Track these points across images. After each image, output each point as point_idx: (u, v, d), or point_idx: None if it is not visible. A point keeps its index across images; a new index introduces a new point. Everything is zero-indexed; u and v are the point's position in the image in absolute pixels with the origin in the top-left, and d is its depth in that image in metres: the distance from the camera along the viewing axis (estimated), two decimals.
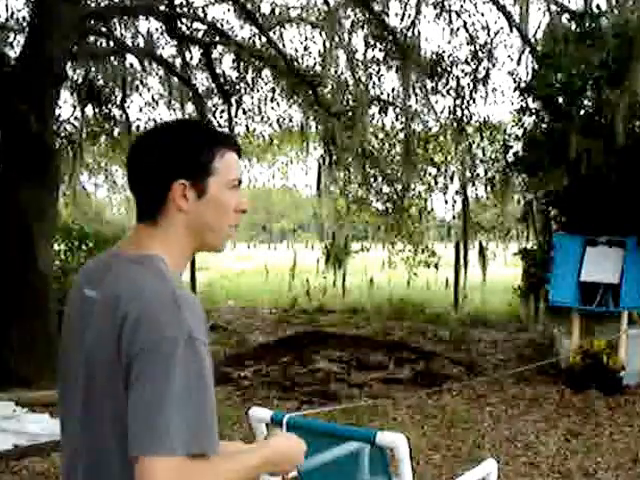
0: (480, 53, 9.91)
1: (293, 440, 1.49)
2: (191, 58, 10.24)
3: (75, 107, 10.79)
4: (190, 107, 10.47)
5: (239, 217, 1.42)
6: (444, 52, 10.00)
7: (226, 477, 1.26)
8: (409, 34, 9.44)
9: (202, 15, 9.78)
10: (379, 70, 10.35)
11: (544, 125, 8.06)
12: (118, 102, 10.75)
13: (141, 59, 9.98)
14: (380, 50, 10.08)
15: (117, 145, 12.10)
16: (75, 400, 1.36)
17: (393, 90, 10.54)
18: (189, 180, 1.33)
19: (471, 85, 10.04)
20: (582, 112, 7.57)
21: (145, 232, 1.37)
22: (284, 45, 10.12)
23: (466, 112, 10.23)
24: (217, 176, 1.36)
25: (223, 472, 1.25)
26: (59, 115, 10.01)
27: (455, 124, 10.31)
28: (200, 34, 9.87)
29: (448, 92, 10.09)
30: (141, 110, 11.61)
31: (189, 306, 1.25)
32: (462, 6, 9.86)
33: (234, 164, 1.40)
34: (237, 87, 10.49)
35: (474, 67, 9.96)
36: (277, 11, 10.14)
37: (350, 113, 10.07)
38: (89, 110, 10.90)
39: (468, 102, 10.11)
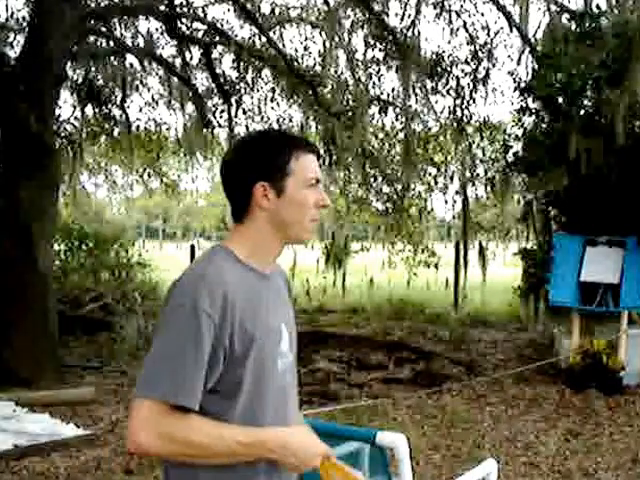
0: (480, 53, 9.91)
1: (307, 438, 1.52)
2: (191, 58, 10.24)
3: (75, 107, 10.80)
4: (190, 107, 10.48)
5: (318, 212, 1.57)
6: (444, 52, 10.00)
7: (200, 437, 1.38)
8: (409, 34, 9.43)
9: (202, 15, 9.77)
10: (379, 70, 10.35)
11: (544, 125, 8.06)
12: (118, 102, 10.75)
13: (141, 59, 9.98)
14: (380, 50, 10.08)
15: (117, 145, 12.11)
16: None
17: (393, 90, 10.55)
18: (268, 182, 1.51)
19: (471, 85, 10.04)
20: (582, 112, 7.57)
21: (233, 230, 1.59)
22: (284, 45, 10.13)
23: (466, 112, 10.24)
24: (294, 176, 1.52)
25: (197, 430, 1.38)
26: (59, 115, 10.02)
27: (455, 124, 10.31)
28: (200, 34, 9.87)
29: (448, 92, 10.09)
30: (141, 110, 11.63)
31: (207, 283, 1.42)
32: (462, 6, 9.87)
33: (310, 165, 1.56)
34: (237, 87, 10.49)
35: (474, 67, 9.96)
36: (277, 11, 10.14)
37: (350, 113, 10.06)
38: (89, 110, 10.91)
39: (468, 102, 10.11)
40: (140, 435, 1.37)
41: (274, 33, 9.97)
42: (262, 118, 11.39)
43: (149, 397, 1.37)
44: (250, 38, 10.04)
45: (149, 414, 1.36)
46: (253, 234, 1.55)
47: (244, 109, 10.94)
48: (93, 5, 9.11)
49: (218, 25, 9.71)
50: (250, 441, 1.42)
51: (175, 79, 10.08)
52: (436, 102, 10.35)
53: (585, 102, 7.65)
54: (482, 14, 9.90)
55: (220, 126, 10.83)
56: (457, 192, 11.23)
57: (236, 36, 9.69)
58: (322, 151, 11.02)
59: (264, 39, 9.61)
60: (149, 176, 14.26)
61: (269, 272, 1.59)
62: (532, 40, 8.96)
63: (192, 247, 13.80)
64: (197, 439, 1.39)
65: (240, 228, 1.56)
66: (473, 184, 10.84)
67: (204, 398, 1.41)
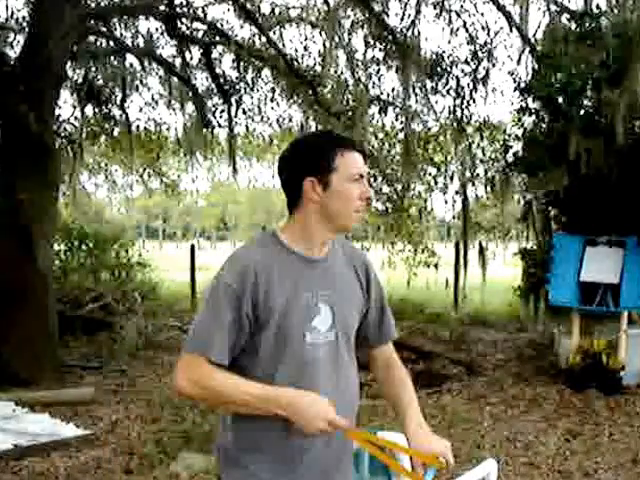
0: (480, 53, 9.90)
1: (318, 402, 1.64)
2: (191, 58, 10.23)
3: (75, 107, 10.79)
4: (190, 107, 10.48)
5: (363, 204, 1.75)
6: (444, 52, 9.98)
7: (219, 385, 1.65)
8: (409, 34, 9.42)
9: (202, 15, 9.76)
10: (379, 70, 10.34)
11: (544, 125, 8.05)
12: (118, 102, 10.75)
13: (141, 59, 9.98)
14: (380, 50, 10.07)
15: (117, 145, 12.11)
16: None
17: (393, 90, 10.53)
18: (316, 177, 1.71)
19: (471, 85, 10.02)
20: (582, 112, 7.56)
21: (287, 218, 1.81)
22: (284, 45, 10.11)
23: (466, 112, 10.22)
24: (338, 172, 1.71)
25: (218, 380, 1.65)
26: (59, 115, 10.01)
27: (455, 124, 10.30)
28: (200, 34, 9.86)
29: (448, 92, 10.08)
30: (141, 110, 11.62)
31: (234, 263, 1.72)
32: (462, 6, 9.85)
33: (353, 161, 1.73)
34: (237, 87, 10.48)
35: (474, 67, 9.94)
36: (277, 11, 10.13)
37: (350, 113, 10.06)
38: (89, 110, 10.90)
39: (468, 102, 10.10)
40: (178, 380, 1.68)
41: (274, 33, 9.96)
42: (262, 118, 11.39)
43: (187, 352, 1.69)
44: (250, 38, 10.02)
45: (185, 365, 1.69)
46: (302, 223, 1.76)
47: (244, 109, 10.94)
48: (93, 5, 9.11)
49: (218, 25, 9.70)
50: (261, 394, 1.64)
51: (175, 79, 10.08)
52: (436, 102, 10.34)
53: (585, 102, 7.65)
54: (482, 14, 9.89)
55: (220, 126, 10.83)
56: (457, 192, 11.22)
57: (236, 36, 9.67)
58: None
59: (264, 39, 9.60)
60: (149, 176, 14.26)
61: (318, 256, 1.78)
62: (532, 40, 8.95)
63: (192, 247, 13.80)
64: (216, 385, 1.66)
65: (292, 217, 1.79)
66: (473, 184, 10.83)
67: (239, 354, 1.71)
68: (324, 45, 9.61)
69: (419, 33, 9.42)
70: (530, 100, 8.00)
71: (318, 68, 10.13)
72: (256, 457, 1.75)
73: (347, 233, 1.88)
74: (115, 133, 11.63)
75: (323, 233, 1.76)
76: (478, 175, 10.72)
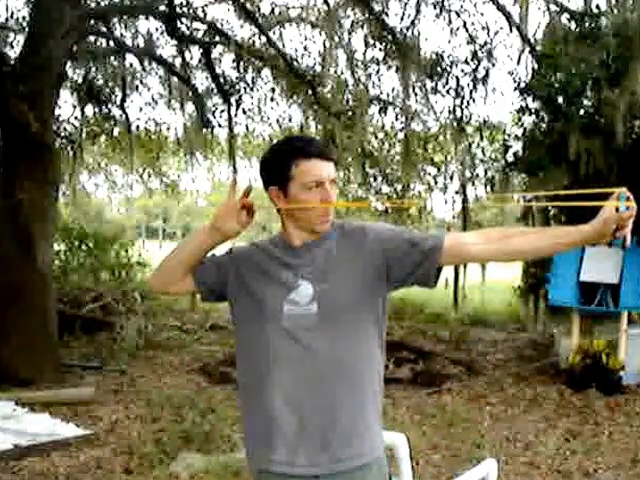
0: (480, 53, 9.90)
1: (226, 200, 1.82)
2: (191, 58, 10.25)
3: (75, 107, 10.80)
4: (190, 107, 10.48)
5: (326, 209, 1.81)
6: (444, 52, 9.98)
7: (165, 257, 1.98)
8: (409, 34, 9.43)
9: (202, 15, 9.76)
10: (379, 70, 10.35)
11: (544, 125, 8.06)
12: (118, 102, 10.75)
13: (141, 59, 9.98)
14: (380, 50, 10.08)
15: (117, 145, 12.11)
16: None
17: (393, 90, 10.54)
18: (278, 186, 1.82)
19: (471, 85, 10.03)
20: (582, 112, 7.56)
21: None
22: (284, 45, 10.12)
23: (466, 112, 10.24)
24: (295, 181, 1.79)
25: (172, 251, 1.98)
26: (59, 115, 10.02)
27: (455, 124, 10.31)
28: (200, 34, 9.86)
29: (448, 92, 10.08)
30: (141, 110, 11.64)
31: (238, 247, 1.99)
32: (462, 6, 9.85)
33: (309, 170, 1.79)
34: (237, 87, 10.48)
35: (474, 67, 9.94)
36: (277, 11, 10.13)
37: (350, 113, 10.06)
38: (89, 110, 10.91)
39: (468, 102, 10.10)
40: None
41: (274, 33, 9.97)
42: (262, 118, 11.39)
43: None
44: (250, 38, 10.03)
45: None
46: (283, 228, 1.91)
47: (244, 109, 10.95)
48: (93, 5, 9.11)
49: (218, 25, 9.70)
50: (192, 233, 1.90)
51: (175, 79, 10.08)
52: (436, 102, 10.36)
53: (585, 102, 7.65)
54: (482, 14, 9.90)
55: (220, 126, 10.83)
56: (457, 192, 11.23)
57: (236, 36, 9.68)
58: None
59: (264, 39, 9.60)
60: (149, 176, 14.26)
61: (301, 244, 1.88)
62: (532, 40, 8.95)
63: None
64: (164, 257, 1.99)
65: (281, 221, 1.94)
66: (473, 184, 10.84)
67: (236, 326, 1.95)
68: (324, 45, 9.62)
69: (419, 33, 9.46)
70: (530, 100, 8.00)
71: (318, 68, 10.13)
72: (247, 442, 1.92)
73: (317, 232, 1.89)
74: (115, 133, 11.64)
75: (301, 236, 1.87)
76: (478, 175, 10.73)
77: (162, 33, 9.85)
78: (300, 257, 1.87)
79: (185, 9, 9.53)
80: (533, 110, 8.08)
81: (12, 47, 9.29)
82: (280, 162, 1.81)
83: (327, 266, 1.85)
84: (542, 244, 1.82)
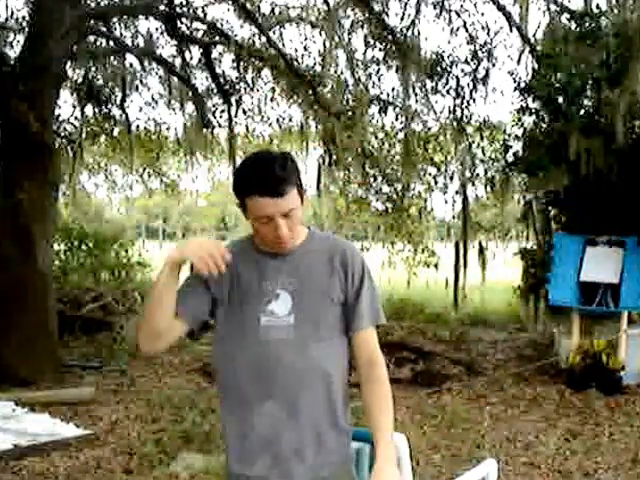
0: (480, 53, 9.90)
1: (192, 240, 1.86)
2: (191, 58, 10.24)
3: (75, 107, 10.79)
4: (190, 107, 10.47)
5: (278, 239, 1.81)
6: (444, 52, 9.98)
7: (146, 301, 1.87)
8: (409, 34, 9.43)
9: (202, 15, 9.76)
10: (379, 70, 10.34)
11: (544, 125, 8.05)
12: (118, 102, 10.74)
13: (141, 59, 9.97)
14: (380, 50, 10.07)
15: (117, 145, 12.10)
16: None
17: (393, 90, 10.53)
18: (241, 208, 1.85)
19: (471, 85, 10.02)
20: (582, 112, 7.56)
21: None
22: (284, 45, 10.11)
23: (466, 112, 10.22)
24: (249, 212, 1.82)
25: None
26: (59, 115, 10.01)
27: (455, 124, 10.30)
28: (200, 34, 9.86)
29: (448, 92, 10.08)
30: (141, 110, 11.64)
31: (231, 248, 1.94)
32: (462, 6, 9.85)
33: (257, 207, 1.78)
34: (237, 87, 10.48)
35: (474, 67, 9.94)
36: (277, 11, 10.13)
37: (350, 113, 10.05)
38: (89, 110, 10.90)
39: (468, 102, 10.10)
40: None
41: (274, 33, 9.96)
42: (262, 118, 11.39)
43: None
44: (250, 38, 10.03)
45: None
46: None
47: (244, 109, 10.95)
48: (93, 5, 9.11)
49: (218, 25, 9.70)
50: (162, 266, 1.82)
51: (175, 79, 10.07)
52: (436, 102, 10.34)
53: (585, 102, 7.65)
54: (482, 14, 9.89)
55: (220, 126, 10.83)
56: (457, 192, 11.22)
57: (236, 36, 9.68)
58: (322, 151, 11.03)
59: (264, 39, 9.59)
60: (149, 176, 14.25)
61: (283, 252, 1.87)
62: (532, 40, 8.95)
63: None
64: (146, 302, 1.87)
65: None
66: (473, 184, 10.83)
67: (216, 340, 1.93)
68: (324, 45, 9.61)
69: (419, 33, 9.45)
70: (530, 100, 8.00)
71: (318, 68, 10.13)
72: (228, 456, 1.92)
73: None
74: (115, 133, 11.63)
75: (269, 249, 1.88)
76: (478, 175, 10.72)
77: (162, 33, 9.86)
78: (281, 264, 1.88)
79: (185, 9, 9.54)
80: (533, 110, 8.08)
81: (12, 47, 9.29)
82: (237, 191, 1.84)
83: (303, 276, 1.87)
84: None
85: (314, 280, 1.88)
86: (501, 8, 9.23)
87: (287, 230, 1.80)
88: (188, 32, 9.74)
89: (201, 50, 9.90)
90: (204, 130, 10.52)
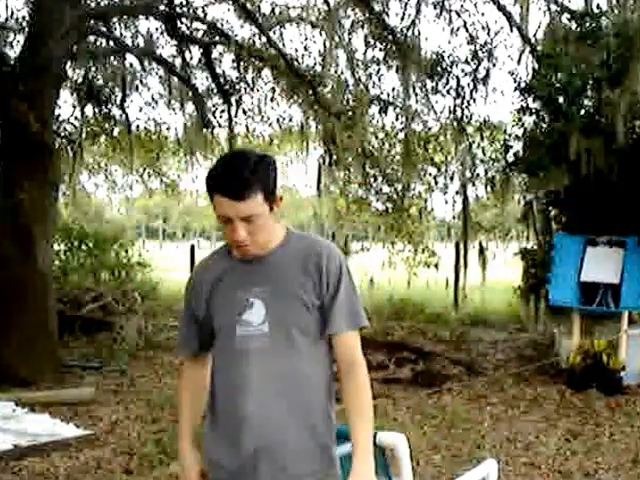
0: (480, 53, 9.89)
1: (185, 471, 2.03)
2: (191, 58, 10.23)
3: (75, 107, 10.78)
4: (190, 107, 10.47)
5: (236, 242, 1.81)
6: (444, 52, 9.97)
7: (179, 404, 2.13)
8: (409, 34, 9.42)
9: (202, 15, 9.76)
10: (379, 70, 10.33)
11: (544, 125, 8.05)
12: (118, 102, 10.74)
13: (141, 59, 9.97)
14: (380, 50, 10.06)
15: (117, 145, 12.09)
16: None
17: (393, 90, 10.53)
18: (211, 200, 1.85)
19: (471, 85, 10.01)
20: (582, 112, 7.56)
21: None
22: (284, 45, 10.10)
23: (466, 112, 10.21)
24: (215, 210, 1.82)
25: (181, 395, 2.13)
26: (59, 115, 10.00)
27: (455, 124, 10.29)
28: (200, 34, 9.86)
29: (448, 92, 10.07)
30: (141, 110, 11.63)
31: (194, 270, 2.09)
32: (462, 6, 9.84)
33: (217, 204, 1.79)
34: (237, 87, 10.48)
35: (474, 67, 9.93)
36: (277, 11, 10.12)
37: (350, 113, 10.05)
38: (89, 110, 10.90)
39: (468, 102, 10.09)
40: None
41: (274, 33, 9.96)
42: (262, 118, 11.39)
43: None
44: (250, 38, 10.02)
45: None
46: None
47: (244, 109, 10.94)
48: (93, 5, 9.10)
49: (218, 25, 9.70)
50: (179, 437, 2.11)
51: (175, 79, 10.07)
52: (436, 102, 10.33)
53: (585, 102, 7.64)
54: (482, 14, 9.88)
55: (220, 126, 10.82)
56: (457, 192, 11.21)
57: (236, 36, 9.67)
58: (322, 151, 11.03)
59: (264, 39, 9.59)
60: (149, 176, 14.25)
61: (253, 258, 1.87)
62: (532, 40, 8.95)
63: (192, 247, 13.81)
64: (179, 404, 2.12)
65: None
66: (473, 184, 10.82)
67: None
68: (324, 45, 9.61)
69: (419, 33, 9.44)
70: (530, 100, 7.99)
71: (318, 68, 10.12)
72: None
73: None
74: (115, 133, 11.63)
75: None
76: (478, 175, 10.71)
77: (162, 33, 9.85)
78: (254, 271, 1.87)
79: (185, 9, 9.53)
80: (533, 110, 8.07)
81: (12, 47, 9.29)
82: (206, 186, 1.83)
83: (276, 282, 1.86)
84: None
85: (287, 286, 1.85)
86: (501, 8, 9.22)
87: (245, 234, 1.78)
88: (188, 32, 9.73)
89: (201, 50, 9.90)
90: (204, 130, 10.51)
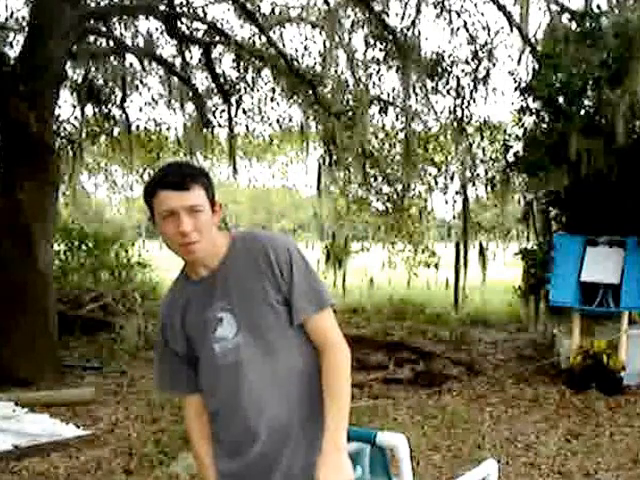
0: (480, 53, 9.90)
1: None
2: (191, 58, 10.23)
3: (75, 107, 10.78)
4: (190, 107, 10.48)
5: (182, 238, 1.79)
6: (444, 52, 9.98)
7: (191, 441, 2.06)
8: (409, 34, 9.42)
9: (202, 15, 9.76)
10: (379, 70, 10.34)
11: (544, 125, 8.05)
12: (118, 102, 10.74)
13: (141, 59, 9.97)
14: (380, 50, 10.07)
15: (117, 145, 12.09)
16: None
17: (393, 90, 10.54)
18: (151, 218, 1.85)
19: (471, 85, 10.02)
20: (582, 112, 7.56)
21: None
22: (284, 45, 10.11)
23: (466, 112, 10.23)
24: (156, 212, 1.81)
25: (190, 433, 2.05)
26: (59, 115, 10.01)
27: (455, 124, 10.30)
28: (200, 34, 9.86)
29: (448, 92, 10.08)
30: (141, 110, 11.63)
31: (161, 305, 2.05)
32: (462, 6, 9.85)
33: (160, 201, 1.79)
34: (237, 87, 10.48)
35: (474, 67, 9.94)
36: (277, 11, 10.13)
37: (350, 113, 10.06)
38: (89, 110, 10.90)
39: (468, 102, 10.10)
40: None
41: (274, 33, 9.96)
42: (262, 118, 11.39)
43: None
44: (250, 38, 10.03)
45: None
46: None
47: (244, 109, 10.94)
48: (93, 5, 9.10)
49: (218, 25, 9.70)
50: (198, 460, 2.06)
51: (175, 79, 10.07)
52: (436, 102, 10.36)
53: (585, 102, 7.64)
54: (482, 14, 9.92)
55: (220, 126, 10.83)
56: (457, 192, 11.23)
57: (236, 36, 9.67)
58: (322, 151, 11.04)
59: (264, 39, 9.59)
60: (149, 176, 14.22)
61: (208, 273, 1.89)
62: (532, 40, 8.94)
63: None
64: (191, 441, 2.06)
65: None
66: (473, 184, 10.83)
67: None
68: (324, 45, 9.62)
69: (419, 33, 9.45)
70: (530, 100, 7.99)
71: (318, 68, 10.13)
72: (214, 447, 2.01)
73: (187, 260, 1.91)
74: (115, 133, 11.62)
75: (194, 269, 1.90)
76: (478, 175, 10.72)
77: (162, 33, 9.85)
78: (212, 287, 1.88)
79: (185, 9, 9.54)
80: (533, 110, 8.07)
81: (12, 47, 9.29)
82: (145, 195, 1.84)
83: (235, 291, 1.86)
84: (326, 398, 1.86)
85: (247, 291, 1.85)
86: (501, 8, 9.22)
87: (192, 228, 1.77)
88: (188, 32, 9.73)
89: (201, 50, 9.90)
90: (204, 130, 10.52)
